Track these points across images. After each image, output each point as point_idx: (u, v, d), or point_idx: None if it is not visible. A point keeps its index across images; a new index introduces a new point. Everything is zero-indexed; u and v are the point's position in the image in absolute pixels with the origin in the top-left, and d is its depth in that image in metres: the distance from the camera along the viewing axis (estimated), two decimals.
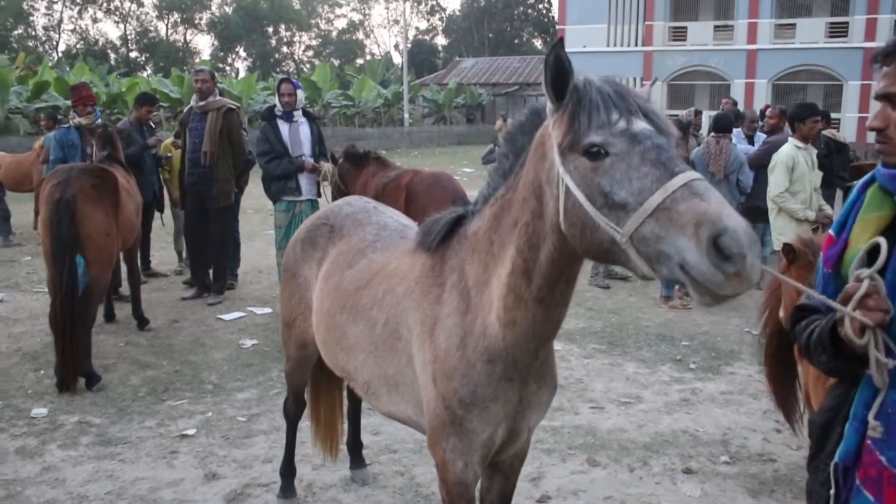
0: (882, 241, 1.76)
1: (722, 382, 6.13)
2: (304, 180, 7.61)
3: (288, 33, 75.79)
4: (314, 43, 78.61)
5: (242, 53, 73.60)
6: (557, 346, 6.91)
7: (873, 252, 1.77)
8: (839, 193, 10.08)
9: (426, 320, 2.60)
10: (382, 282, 2.90)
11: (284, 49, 76.46)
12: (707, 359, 6.72)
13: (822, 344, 1.91)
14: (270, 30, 73.15)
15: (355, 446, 4.43)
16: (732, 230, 1.64)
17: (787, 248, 3.96)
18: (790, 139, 7.35)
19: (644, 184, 1.83)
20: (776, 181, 7.18)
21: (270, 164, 7.44)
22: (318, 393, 4.13)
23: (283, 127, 7.56)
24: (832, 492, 1.92)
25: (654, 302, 8.65)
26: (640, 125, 1.96)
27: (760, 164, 8.85)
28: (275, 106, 7.65)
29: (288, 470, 4.20)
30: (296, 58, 76.67)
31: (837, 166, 9.41)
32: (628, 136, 1.92)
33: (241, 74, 53.13)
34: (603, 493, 4.32)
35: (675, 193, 1.77)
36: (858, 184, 2.02)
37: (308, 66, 69.91)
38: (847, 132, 29.31)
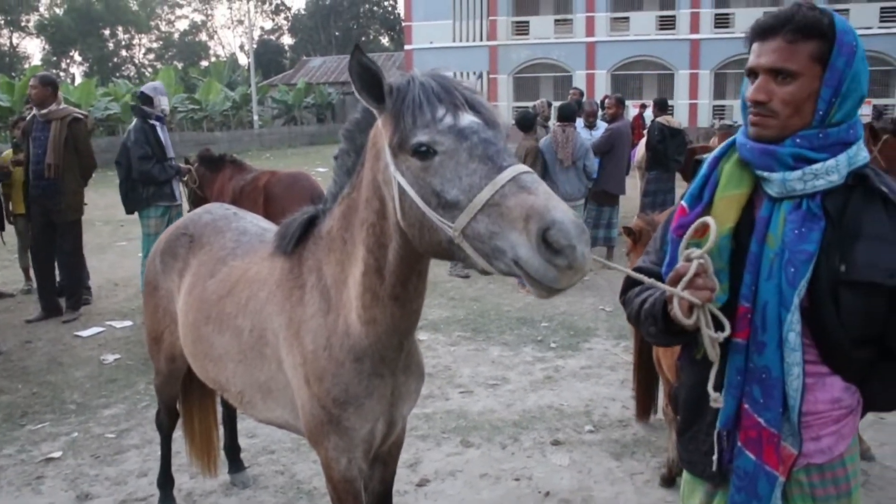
0: (711, 220, 1.81)
1: (581, 358, 6.48)
2: (175, 184, 7.56)
3: (126, 36, 72.51)
4: (155, 45, 75.62)
5: (78, 58, 69.77)
6: (423, 336, 7.10)
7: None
8: (678, 176, 10.81)
9: (291, 323, 2.59)
10: (245, 288, 2.87)
11: (124, 52, 73.10)
12: (566, 337, 7.08)
13: (654, 316, 1.97)
14: (107, 32, 69.65)
15: (233, 451, 4.40)
16: (560, 222, 1.66)
17: (628, 231, 4.24)
18: None
19: (473, 180, 1.84)
20: None
21: (154, 169, 7.30)
22: (190, 407, 4.05)
23: (161, 131, 7.47)
24: (715, 457, 2.00)
25: (513, 288, 8.97)
26: (467, 119, 1.96)
27: (604, 151, 9.38)
28: (141, 107, 7.52)
29: (165, 481, 4.11)
30: (136, 61, 73.49)
31: (672, 150, 10.07)
32: (455, 132, 1.92)
33: (78, 80, 50.46)
34: (478, 471, 4.51)
35: (504, 188, 1.78)
36: (709, 157, 2.03)
37: (150, 69, 67.18)
38: (680, 117, 31.17)
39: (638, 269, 2.13)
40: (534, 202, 1.73)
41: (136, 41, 73.65)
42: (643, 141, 11.22)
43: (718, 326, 1.86)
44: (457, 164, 1.89)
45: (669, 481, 4.21)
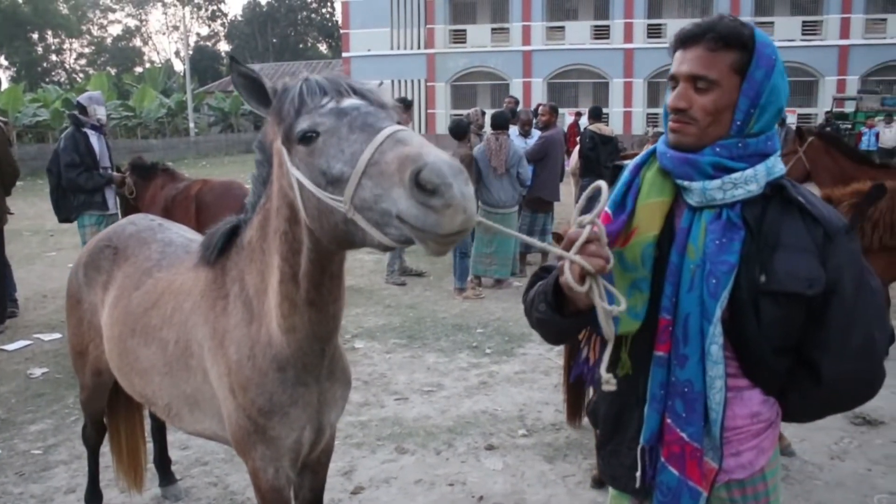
0: (603, 184, 1.76)
1: (516, 363, 6.56)
2: (108, 193, 7.44)
3: (56, 40, 70.71)
4: (87, 51, 73.90)
5: (4, 62, 67.78)
6: (359, 344, 7.10)
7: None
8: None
9: (215, 334, 2.58)
10: (170, 300, 2.85)
11: (53, 57, 71.25)
12: (501, 343, 7.15)
13: (546, 292, 1.90)
14: (36, 36, 67.81)
15: (163, 463, 4.34)
16: (432, 163, 1.61)
17: (557, 236, 4.32)
18: None
19: (355, 148, 1.82)
20: None
21: (81, 177, 7.16)
22: (117, 421, 3.98)
23: (94, 139, 7.33)
24: (638, 473, 1.96)
25: (449, 294, 9.04)
26: (351, 101, 1.96)
27: (538, 158, 9.52)
28: (77, 115, 7.35)
29: (93, 497, 4.04)
30: (67, 66, 71.76)
31: (605, 157, 10.26)
32: (336, 112, 1.93)
33: (5, 85, 49.00)
34: (413, 477, 4.53)
35: (383, 146, 1.76)
36: (631, 164, 2.01)
37: (82, 75, 65.60)
38: (615, 125, 31.82)
39: (547, 269, 2.09)
40: (408, 151, 1.69)
41: (66, 46, 71.93)
42: (577, 148, 11.42)
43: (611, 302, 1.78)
44: (338, 139, 1.88)
45: (600, 483, 4.29)
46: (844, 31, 34.27)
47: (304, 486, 2.99)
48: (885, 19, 34.51)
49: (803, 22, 35.02)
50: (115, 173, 7.39)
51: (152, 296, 2.96)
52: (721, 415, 1.84)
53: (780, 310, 1.79)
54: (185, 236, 3.35)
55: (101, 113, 7.47)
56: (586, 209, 1.75)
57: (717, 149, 1.82)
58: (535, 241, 1.93)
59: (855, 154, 7.82)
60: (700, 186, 1.83)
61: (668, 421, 1.90)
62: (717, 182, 1.81)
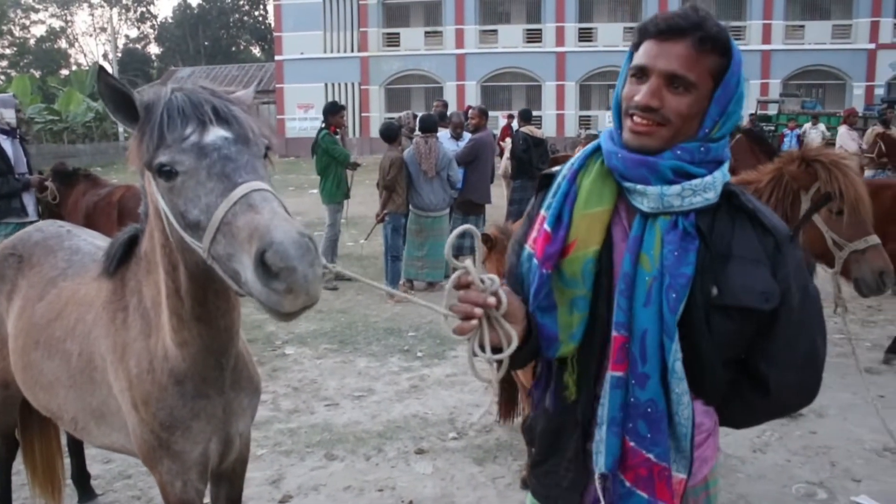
0: (472, 228, 1.74)
1: (447, 366, 6.56)
2: (28, 200, 7.16)
3: None
4: (8, 52, 71.44)
5: None
6: (290, 350, 7.03)
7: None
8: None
9: (116, 347, 2.52)
10: (73, 311, 2.78)
11: None
12: (433, 346, 7.14)
13: None
14: None
15: (81, 479, 4.22)
16: (279, 243, 1.60)
17: (485, 238, 4.34)
18: None
19: (210, 199, 1.79)
20: None
21: None
22: (30, 435, 3.84)
23: (6, 143, 7.06)
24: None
25: (381, 298, 8.99)
26: (213, 135, 1.89)
27: (468, 161, 9.56)
28: None
29: None
30: None
31: (536, 159, 10.38)
32: (196, 150, 1.86)
33: None
34: (342, 483, 4.49)
35: (236, 206, 1.74)
36: (567, 172, 1.85)
37: (2, 77, 63.46)
38: (548, 128, 32.20)
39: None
40: (258, 222, 1.67)
41: None
42: (508, 150, 11.52)
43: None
44: (197, 183, 1.84)
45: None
46: (766, 37, 35.36)
47: (220, 497, 2.95)
48: (803, 26, 35.74)
49: (729, 27, 35.83)
50: (31, 177, 7.13)
51: (56, 306, 2.88)
52: (691, 430, 1.73)
53: (733, 324, 1.70)
54: (94, 244, 3.25)
55: (8, 116, 7.18)
56: (458, 247, 1.68)
57: (679, 152, 1.69)
58: (393, 290, 1.96)
59: (775, 154, 8.10)
60: (658, 192, 1.69)
61: (631, 444, 1.76)
62: (676, 188, 1.69)
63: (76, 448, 4.17)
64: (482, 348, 1.65)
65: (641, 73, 1.71)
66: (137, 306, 2.46)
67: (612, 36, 35.49)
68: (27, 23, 72.78)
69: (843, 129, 12.69)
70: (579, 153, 1.88)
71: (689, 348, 1.69)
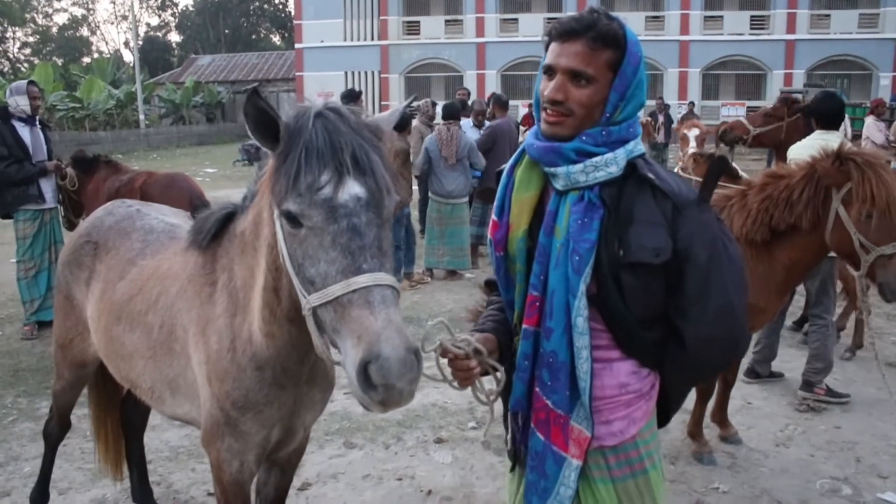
0: (443, 321, 1.98)
1: None
2: (46, 186, 7.20)
3: None
4: (31, 40, 71.97)
5: None
6: None
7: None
8: None
9: (199, 320, 2.54)
10: (155, 285, 2.81)
11: None
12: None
13: None
14: None
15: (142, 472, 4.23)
16: (385, 359, 1.64)
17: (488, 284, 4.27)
18: None
19: (330, 270, 1.80)
20: None
21: (10, 169, 6.93)
22: (103, 414, 3.95)
23: (24, 130, 7.09)
24: (509, 436, 2.17)
25: (401, 286, 8.97)
26: (347, 194, 1.84)
27: (486, 148, 9.52)
28: (7, 106, 7.11)
29: (41, 496, 3.91)
30: (10, 56, 69.73)
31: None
32: (327, 208, 1.82)
33: None
34: (361, 472, 4.49)
35: (354, 294, 1.74)
36: (507, 166, 2.14)
37: (26, 65, 63.91)
38: None
39: (487, 281, 2.36)
40: (370, 326, 1.69)
41: (9, 34, 69.88)
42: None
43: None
44: (320, 244, 1.83)
45: None
46: (791, 26, 34.91)
47: (269, 484, 2.97)
48: (828, 15, 35.23)
49: (751, 17, 35.58)
50: (48, 162, 7.15)
51: (137, 283, 2.92)
52: (589, 384, 1.96)
53: (638, 280, 1.91)
54: (166, 220, 3.28)
55: (22, 103, 7.20)
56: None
57: (584, 137, 1.93)
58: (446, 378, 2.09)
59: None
60: (564, 171, 1.94)
61: (536, 389, 2.04)
62: (580, 166, 1.92)
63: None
64: (482, 394, 2.06)
65: (550, 71, 1.95)
66: (227, 283, 2.47)
67: (636, 25, 35.17)
68: (50, 11, 73.44)
69: (869, 120, 12.48)
70: (518, 149, 2.14)
71: (605, 307, 1.94)
